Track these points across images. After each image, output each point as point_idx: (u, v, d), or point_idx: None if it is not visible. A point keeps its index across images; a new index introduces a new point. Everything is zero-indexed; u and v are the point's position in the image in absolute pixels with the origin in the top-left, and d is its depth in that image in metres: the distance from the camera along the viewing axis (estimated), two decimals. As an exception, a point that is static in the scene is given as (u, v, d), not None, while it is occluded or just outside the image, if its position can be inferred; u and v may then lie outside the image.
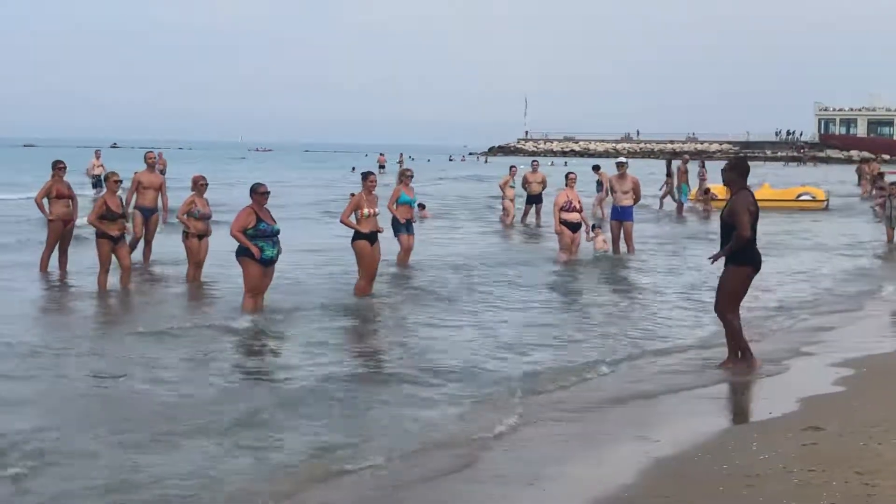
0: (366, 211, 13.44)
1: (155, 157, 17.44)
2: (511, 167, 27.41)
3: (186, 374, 9.28)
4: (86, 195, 28.45)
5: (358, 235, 13.45)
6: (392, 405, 8.27)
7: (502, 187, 26.39)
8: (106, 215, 13.56)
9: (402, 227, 16.61)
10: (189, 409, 7.97)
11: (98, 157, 34.35)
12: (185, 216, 14.30)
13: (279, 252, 12.16)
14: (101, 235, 13.62)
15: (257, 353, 10.41)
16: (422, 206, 24.62)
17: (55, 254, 15.33)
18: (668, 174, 31.18)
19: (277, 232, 12.10)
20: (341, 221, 13.72)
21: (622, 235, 18.21)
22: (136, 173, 16.99)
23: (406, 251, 16.63)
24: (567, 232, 17.12)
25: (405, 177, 17.18)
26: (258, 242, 11.85)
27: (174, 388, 8.65)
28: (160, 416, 7.76)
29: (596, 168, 27.55)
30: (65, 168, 15.66)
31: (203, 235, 14.43)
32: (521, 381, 9.06)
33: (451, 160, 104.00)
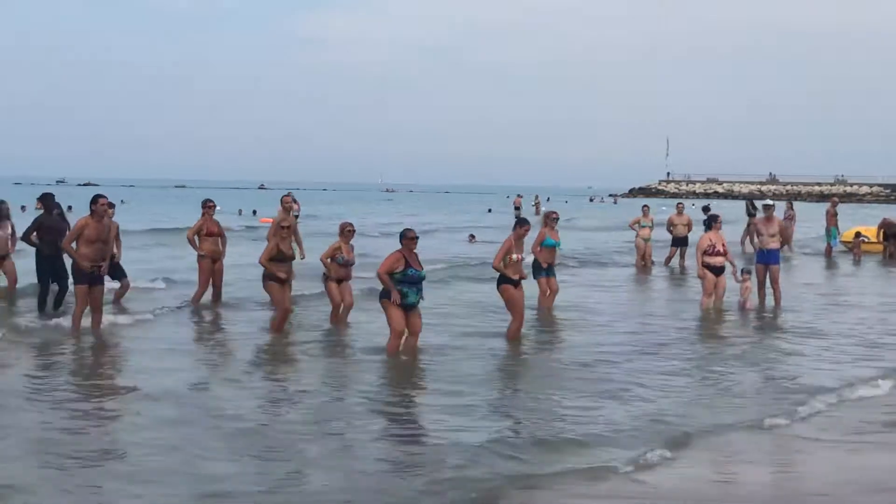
0: (514, 256, 13.47)
1: (291, 201, 17.63)
2: (644, 206, 27.03)
3: (328, 412, 9.41)
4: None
5: (503, 279, 13.47)
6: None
7: (632, 226, 26.15)
8: (276, 257, 13.78)
9: (543, 271, 16.51)
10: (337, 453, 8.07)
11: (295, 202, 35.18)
12: (328, 260, 14.51)
13: (421, 299, 12.30)
14: (269, 277, 13.80)
15: (401, 400, 10.38)
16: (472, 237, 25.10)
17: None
18: (750, 214, 30.11)
19: (423, 278, 12.25)
20: (494, 267, 13.72)
21: (767, 280, 17.66)
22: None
23: (545, 294, 16.49)
24: (710, 276, 16.68)
25: (550, 219, 16.99)
26: (402, 287, 12.01)
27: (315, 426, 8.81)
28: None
29: (706, 209, 27.08)
30: (214, 207, 16.13)
31: (342, 280, 14.64)
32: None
33: (591, 201, 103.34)
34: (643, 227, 25.59)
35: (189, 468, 7.42)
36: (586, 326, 14.88)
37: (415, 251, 12.28)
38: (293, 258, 14.22)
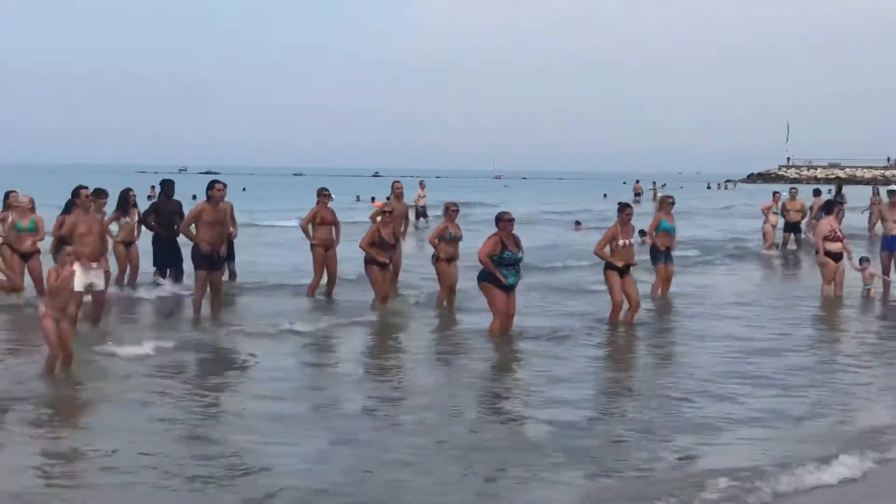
0: (620, 242, 13.35)
1: (402, 188, 17.57)
2: (774, 193, 26.69)
3: (441, 398, 9.48)
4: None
5: (609, 266, 13.35)
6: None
7: (764, 212, 25.85)
8: (377, 243, 14.18)
9: (661, 256, 16.30)
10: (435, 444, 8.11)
11: (423, 188, 35.51)
12: (436, 240, 14.69)
13: (519, 279, 12.31)
14: (370, 261, 14.19)
15: (501, 381, 10.46)
16: (577, 223, 24.95)
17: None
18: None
19: (520, 260, 12.26)
20: (596, 253, 13.64)
21: (893, 266, 17.05)
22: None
23: (663, 280, 16.30)
24: (831, 263, 16.24)
25: (666, 204, 16.83)
26: (501, 270, 12.03)
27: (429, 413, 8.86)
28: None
29: (817, 192, 26.61)
30: (329, 195, 16.33)
31: (452, 259, 14.78)
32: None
33: (709, 188, 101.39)
34: (774, 213, 25.42)
35: (298, 464, 7.40)
36: (700, 314, 14.62)
37: (513, 233, 12.27)
38: (394, 244, 14.60)
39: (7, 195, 15.33)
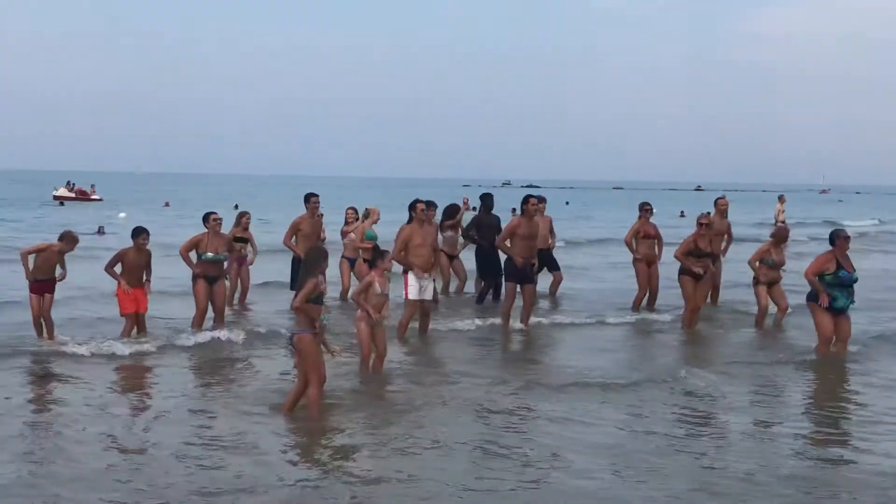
0: None
1: (726, 204, 16.93)
2: None
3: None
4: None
5: None
6: None
7: None
8: (692, 252, 14.15)
9: None
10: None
11: (782, 202, 35.04)
12: (756, 263, 14.32)
13: (852, 302, 11.75)
14: (684, 272, 14.14)
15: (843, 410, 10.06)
16: None
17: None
18: None
19: (855, 281, 11.69)
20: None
21: None
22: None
23: None
24: None
25: None
26: (832, 290, 11.53)
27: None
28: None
29: None
30: (650, 210, 16.35)
31: (773, 283, 14.30)
32: None
33: None
34: None
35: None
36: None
37: (847, 252, 11.74)
38: (709, 255, 14.53)
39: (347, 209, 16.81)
